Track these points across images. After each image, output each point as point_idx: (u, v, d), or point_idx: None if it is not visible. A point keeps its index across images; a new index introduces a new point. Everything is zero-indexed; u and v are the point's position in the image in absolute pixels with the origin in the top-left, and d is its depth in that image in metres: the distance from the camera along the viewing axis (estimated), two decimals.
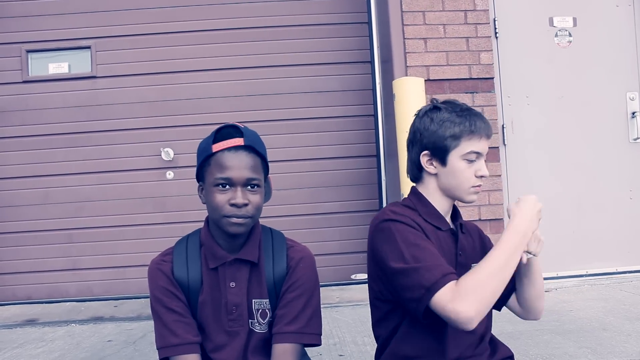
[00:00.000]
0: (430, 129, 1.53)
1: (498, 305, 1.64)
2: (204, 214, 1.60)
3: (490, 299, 1.31)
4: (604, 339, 2.88)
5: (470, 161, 1.50)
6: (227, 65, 4.61)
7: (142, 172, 4.57)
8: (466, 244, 1.58)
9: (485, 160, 1.54)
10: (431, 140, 1.52)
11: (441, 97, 1.67)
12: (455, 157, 1.51)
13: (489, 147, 1.57)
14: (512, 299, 1.65)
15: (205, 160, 1.50)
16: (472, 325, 1.29)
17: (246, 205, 1.46)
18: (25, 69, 4.59)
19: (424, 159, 1.55)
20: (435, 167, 1.54)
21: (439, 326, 1.45)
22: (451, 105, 1.55)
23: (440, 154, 1.52)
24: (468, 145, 1.50)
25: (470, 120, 1.50)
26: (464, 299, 1.29)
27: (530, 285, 1.57)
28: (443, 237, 1.52)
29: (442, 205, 1.55)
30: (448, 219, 1.58)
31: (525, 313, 1.65)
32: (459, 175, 1.51)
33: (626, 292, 3.90)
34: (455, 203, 1.59)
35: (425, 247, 1.40)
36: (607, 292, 3.94)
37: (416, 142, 1.57)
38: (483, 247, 1.64)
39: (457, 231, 1.58)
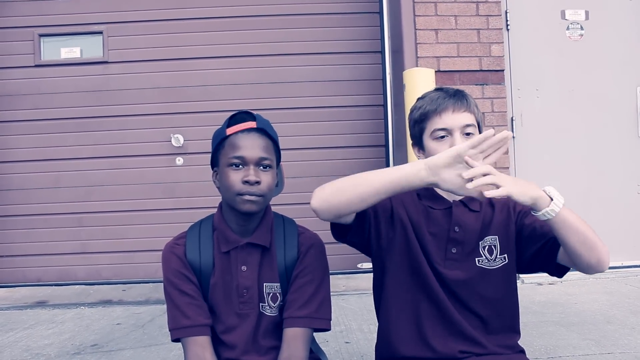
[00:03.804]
0: (410, 122, 1.63)
1: (557, 272, 1.50)
2: (212, 200, 1.63)
3: (336, 194, 1.37)
4: (608, 331, 2.90)
5: (439, 138, 1.52)
6: (238, 52, 4.62)
7: (152, 157, 4.60)
8: (467, 220, 1.55)
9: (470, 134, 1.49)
10: (411, 132, 1.62)
11: None
12: (427, 140, 1.55)
13: None
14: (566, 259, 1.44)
15: (220, 143, 1.56)
16: (316, 210, 1.38)
17: (258, 183, 1.50)
18: (37, 53, 4.62)
19: (414, 150, 1.63)
20: (421, 155, 1.60)
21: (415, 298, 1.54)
22: (426, 92, 1.61)
23: (418, 142, 1.60)
24: (432, 124, 1.53)
25: (432, 99, 1.55)
26: (315, 193, 1.40)
27: (566, 240, 1.35)
28: (435, 215, 1.55)
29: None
30: (453, 197, 1.55)
31: (585, 269, 1.40)
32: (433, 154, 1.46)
33: (631, 286, 3.92)
34: None
35: None
36: (612, 285, 3.96)
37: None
38: (508, 217, 1.57)
39: (452, 207, 1.56)
